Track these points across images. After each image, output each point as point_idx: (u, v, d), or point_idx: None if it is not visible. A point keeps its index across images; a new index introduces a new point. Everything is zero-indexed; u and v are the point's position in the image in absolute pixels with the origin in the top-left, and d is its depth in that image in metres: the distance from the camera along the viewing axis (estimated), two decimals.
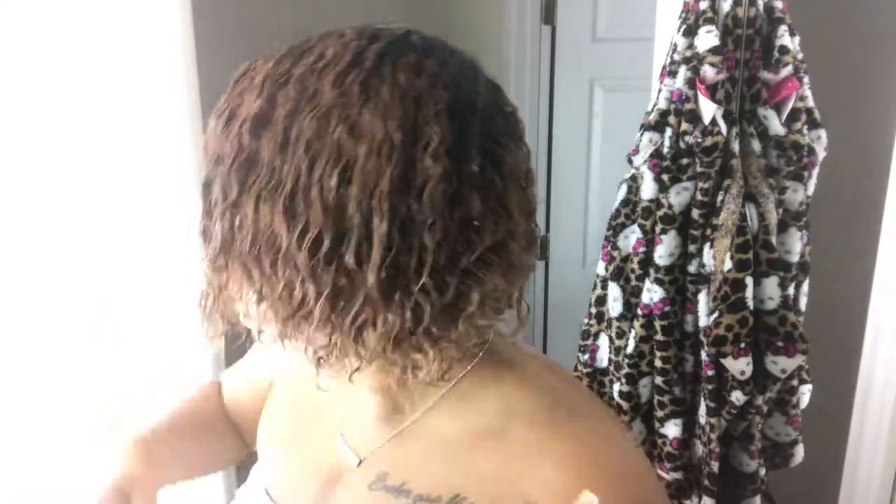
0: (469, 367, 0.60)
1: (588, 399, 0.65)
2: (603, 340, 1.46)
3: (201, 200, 0.54)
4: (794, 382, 1.35)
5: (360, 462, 0.65)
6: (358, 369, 0.54)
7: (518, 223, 0.54)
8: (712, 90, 1.20)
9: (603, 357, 1.46)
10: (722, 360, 1.24)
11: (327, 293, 0.50)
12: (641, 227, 1.32)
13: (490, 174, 0.52)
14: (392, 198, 0.48)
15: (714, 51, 1.19)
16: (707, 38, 1.20)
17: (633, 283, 1.34)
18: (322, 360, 0.54)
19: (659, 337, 1.31)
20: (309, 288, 0.50)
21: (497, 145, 0.53)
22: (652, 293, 1.30)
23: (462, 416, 0.60)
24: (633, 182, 1.34)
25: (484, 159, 0.51)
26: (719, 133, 1.20)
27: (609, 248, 1.40)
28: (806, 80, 1.24)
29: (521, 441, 0.57)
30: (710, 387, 1.27)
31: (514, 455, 0.57)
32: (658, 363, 1.32)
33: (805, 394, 1.39)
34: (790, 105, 1.23)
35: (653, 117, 1.30)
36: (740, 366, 1.23)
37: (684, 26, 1.24)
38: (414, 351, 0.53)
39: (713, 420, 1.27)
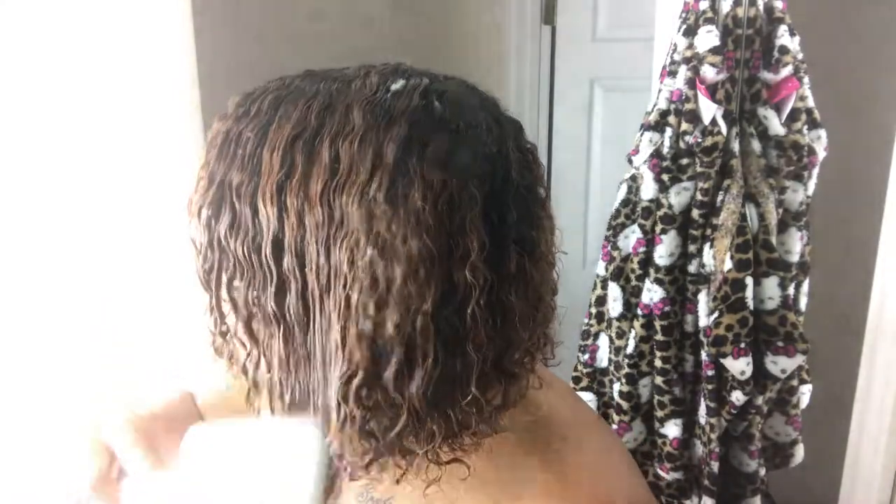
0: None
1: (583, 426, 0.62)
2: (603, 340, 1.46)
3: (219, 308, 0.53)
4: (794, 382, 1.35)
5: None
6: (404, 474, 0.52)
7: (550, 306, 0.54)
8: (712, 90, 1.20)
9: (603, 357, 1.46)
10: (722, 360, 1.24)
11: (364, 416, 0.48)
12: (641, 227, 1.32)
13: (526, 267, 0.50)
14: (434, 318, 0.46)
15: (714, 51, 1.19)
16: (707, 38, 1.20)
17: (633, 283, 1.34)
18: (360, 470, 0.52)
19: (659, 337, 1.31)
20: (344, 411, 0.48)
21: (531, 228, 0.51)
22: (652, 293, 1.30)
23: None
24: (633, 182, 1.35)
25: (520, 254, 0.49)
26: (719, 133, 1.20)
27: (609, 248, 1.40)
28: (806, 80, 1.25)
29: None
30: (710, 387, 1.27)
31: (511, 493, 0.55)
32: (658, 363, 1.32)
33: (805, 394, 1.39)
34: (790, 105, 1.23)
35: (653, 117, 1.30)
36: (740, 366, 1.23)
37: (684, 26, 1.24)
38: (458, 449, 0.52)
39: (713, 420, 1.27)
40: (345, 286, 0.46)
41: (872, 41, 1.57)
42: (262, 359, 0.52)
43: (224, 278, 0.51)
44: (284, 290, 0.48)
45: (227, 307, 0.52)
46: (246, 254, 0.49)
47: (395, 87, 0.50)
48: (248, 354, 0.52)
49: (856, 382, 1.51)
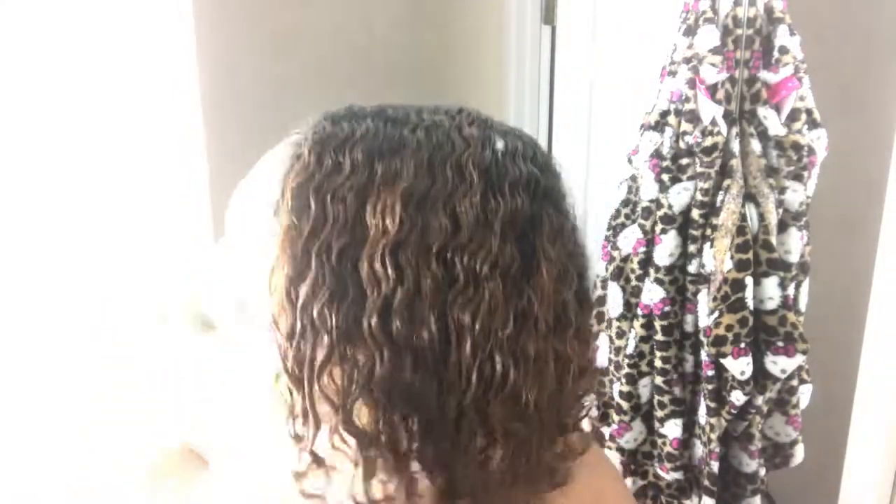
0: None
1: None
2: (603, 340, 1.46)
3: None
4: (794, 382, 1.35)
5: None
6: None
7: (592, 358, 0.56)
8: (712, 90, 1.20)
9: (603, 357, 1.46)
10: (722, 360, 1.24)
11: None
12: (641, 227, 1.32)
13: (585, 319, 0.51)
14: (560, 393, 0.48)
15: (714, 51, 1.19)
16: (707, 38, 1.20)
17: (633, 283, 1.34)
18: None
19: (659, 337, 1.31)
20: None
21: (581, 256, 0.52)
22: (652, 293, 1.30)
23: None
24: (633, 182, 1.34)
25: (580, 310, 0.50)
26: (719, 133, 1.20)
27: (609, 248, 1.40)
28: (806, 80, 1.24)
29: None
30: (710, 387, 1.27)
31: None
32: (658, 363, 1.32)
33: (805, 394, 1.39)
34: (790, 105, 1.23)
35: (653, 117, 1.30)
36: (740, 366, 1.23)
37: (684, 26, 1.24)
38: None
39: (713, 420, 1.27)
40: (474, 358, 0.44)
41: (872, 41, 1.57)
42: (384, 450, 0.47)
43: (321, 364, 0.46)
44: (396, 363, 0.44)
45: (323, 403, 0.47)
46: (341, 328, 0.44)
47: (499, 145, 0.49)
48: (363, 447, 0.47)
49: (856, 382, 1.51)
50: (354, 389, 0.45)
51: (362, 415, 0.47)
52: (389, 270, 0.44)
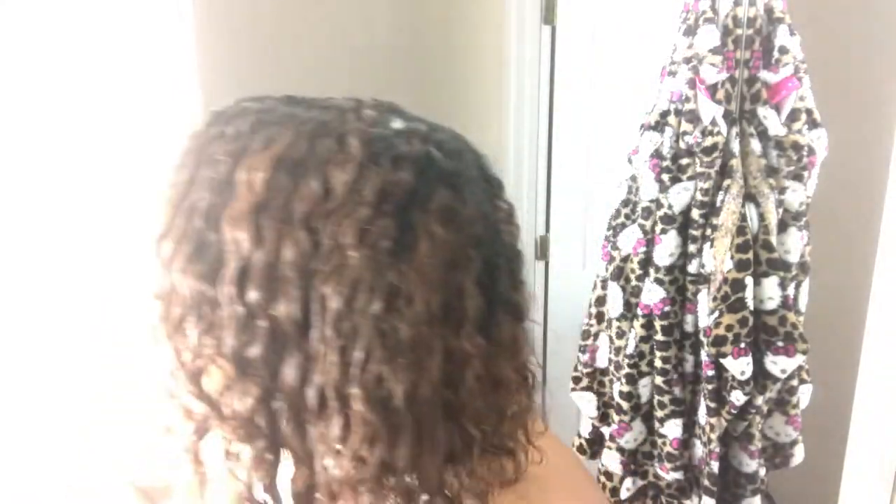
0: None
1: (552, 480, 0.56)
2: (603, 340, 1.46)
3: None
4: (794, 382, 1.35)
5: None
6: None
7: (534, 373, 0.51)
8: (712, 90, 1.20)
9: (603, 357, 1.46)
10: (722, 360, 1.24)
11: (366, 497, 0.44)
12: (641, 227, 1.32)
13: (516, 333, 0.48)
14: (436, 389, 0.43)
15: (714, 51, 1.19)
16: (707, 38, 1.20)
17: (633, 283, 1.34)
18: None
19: (659, 337, 1.31)
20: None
21: (517, 292, 0.48)
22: (652, 293, 1.30)
23: None
24: (633, 182, 1.34)
25: (511, 320, 0.47)
26: (719, 133, 1.20)
27: (609, 248, 1.40)
28: (806, 80, 1.24)
29: None
30: (710, 387, 1.27)
31: None
32: (658, 363, 1.32)
33: (805, 394, 1.39)
34: (790, 105, 1.23)
35: (653, 117, 1.30)
36: (740, 366, 1.23)
37: (684, 26, 1.24)
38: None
39: (713, 420, 1.27)
40: (338, 334, 0.40)
41: (872, 41, 1.57)
42: (224, 424, 0.44)
43: (180, 323, 0.44)
44: (250, 334, 0.42)
45: (183, 358, 0.45)
46: (201, 287, 0.42)
47: (395, 125, 0.46)
48: (207, 418, 0.45)
49: (856, 382, 1.51)
50: (206, 354, 0.43)
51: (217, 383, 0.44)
52: (248, 233, 0.41)
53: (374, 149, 0.43)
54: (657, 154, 1.28)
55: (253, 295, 0.41)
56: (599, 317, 1.46)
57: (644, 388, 1.36)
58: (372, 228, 0.41)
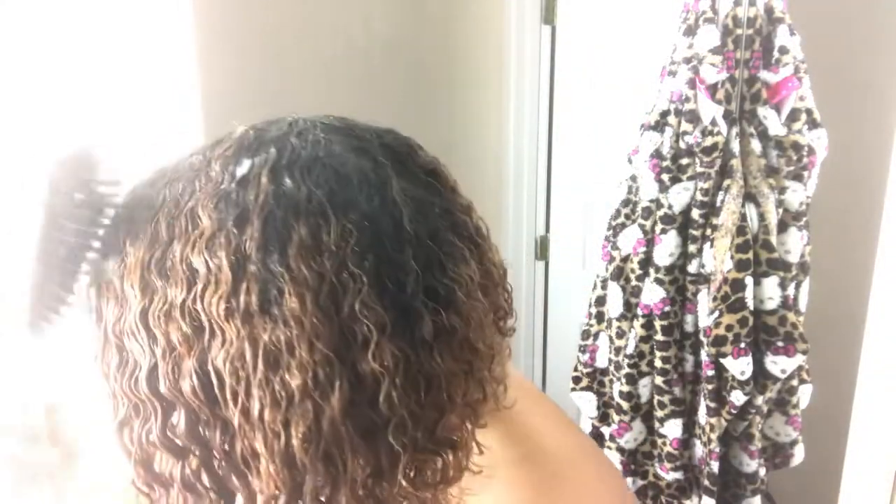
0: None
1: (573, 459, 0.56)
2: (603, 340, 1.46)
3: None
4: (794, 382, 1.35)
5: None
6: None
7: (491, 345, 0.47)
8: (712, 90, 1.20)
9: (603, 357, 1.46)
10: (722, 360, 1.24)
11: None
12: (641, 227, 1.32)
13: (445, 322, 0.44)
14: (344, 420, 0.41)
15: (714, 51, 1.19)
16: (707, 38, 1.20)
17: (633, 283, 1.34)
18: None
19: (659, 337, 1.31)
20: None
21: (443, 274, 0.44)
22: (652, 293, 1.30)
23: None
24: (633, 182, 1.35)
25: (435, 310, 0.43)
26: (719, 133, 1.20)
27: (609, 248, 1.40)
28: (806, 80, 1.25)
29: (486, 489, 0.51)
30: (710, 387, 1.27)
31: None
32: (658, 363, 1.32)
33: (805, 394, 1.39)
34: (790, 105, 1.23)
35: (653, 117, 1.30)
36: (740, 366, 1.23)
37: (684, 26, 1.24)
38: None
39: (713, 420, 1.27)
40: (235, 401, 0.42)
41: (872, 41, 1.57)
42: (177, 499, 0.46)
43: (120, 422, 0.46)
44: (168, 415, 0.44)
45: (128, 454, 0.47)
46: (130, 391, 0.44)
47: (239, 171, 0.44)
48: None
49: (856, 382, 1.51)
50: (146, 445, 0.45)
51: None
52: (143, 338, 0.43)
53: (220, 215, 0.43)
54: (657, 154, 1.28)
55: (163, 384, 0.44)
56: (599, 317, 1.46)
57: (644, 388, 1.36)
58: (233, 300, 0.41)
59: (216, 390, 0.42)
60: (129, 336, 0.44)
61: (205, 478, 0.45)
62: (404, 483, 0.44)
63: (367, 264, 0.42)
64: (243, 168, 0.44)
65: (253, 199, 0.42)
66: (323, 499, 0.43)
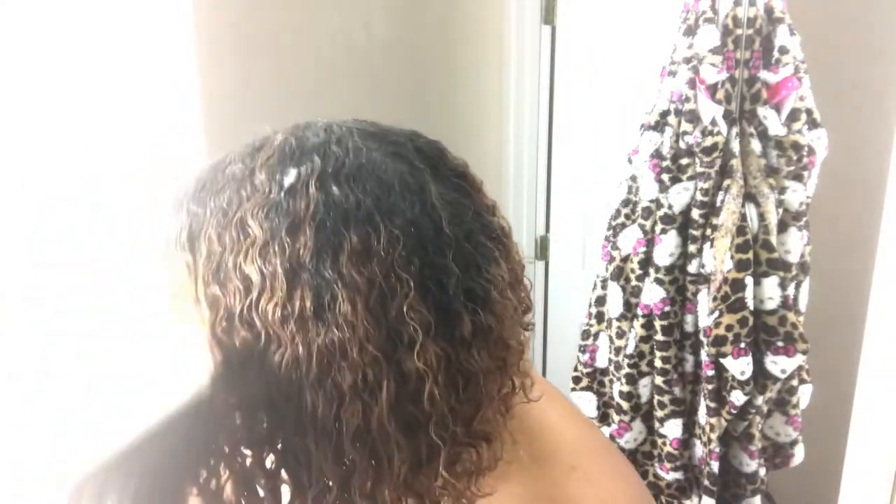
0: None
1: (579, 464, 0.57)
2: (603, 340, 1.46)
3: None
4: (794, 382, 1.35)
5: None
6: None
7: (519, 343, 0.49)
8: (712, 90, 1.20)
9: (603, 357, 1.46)
10: (722, 360, 1.24)
11: None
12: (641, 227, 1.32)
13: (482, 322, 0.45)
14: (390, 417, 0.43)
15: (714, 51, 1.19)
16: (707, 38, 1.20)
17: (633, 283, 1.34)
18: None
19: (659, 337, 1.31)
20: None
21: (479, 274, 0.46)
22: (652, 293, 1.30)
23: None
24: (633, 182, 1.35)
25: (474, 310, 0.45)
26: (719, 133, 1.20)
27: (609, 248, 1.40)
28: (806, 80, 1.25)
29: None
30: (710, 387, 1.27)
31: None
32: (658, 363, 1.32)
33: (805, 394, 1.39)
34: (790, 105, 1.23)
35: (653, 117, 1.30)
36: (740, 366, 1.23)
37: (684, 26, 1.24)
38: None
39: (713, 420, 1.27)
40: (290, 402, 0.44)
41: (872, 41, 1.57)
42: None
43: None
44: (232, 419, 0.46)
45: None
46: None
47: (287, 181, 0.46)
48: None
49: (856, 382, 1.51)
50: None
51: None
52: (214, 348, 0.45)
53: (271, 224, 0.44)
54: (657, 154, 1.28)
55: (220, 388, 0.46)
56: (599, 317, 1.46)
57: (644, 388, 1.36)
58: (288, 306, 0.43)
59: (273, 392, 0.44)
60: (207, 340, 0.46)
61: (259, 474, 0.46)
62: (444, 474, 0.45)
63: (413, 268, 0.44)
64: (290, 177, 0.45)
65: (304, 207, 0.44)
66: (368, 492, 0.45)
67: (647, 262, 1.32)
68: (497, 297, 0.46)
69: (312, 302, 0.42)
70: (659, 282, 1.29)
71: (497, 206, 0.53)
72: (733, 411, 1.26)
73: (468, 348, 0.45)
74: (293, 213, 0.44)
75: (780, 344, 1.24)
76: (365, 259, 0.43)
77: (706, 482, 1.32)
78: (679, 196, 1.27)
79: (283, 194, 0.45)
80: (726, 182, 1.23)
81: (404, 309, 0.43)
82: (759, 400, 1.27)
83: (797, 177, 1.25)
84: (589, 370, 1.49)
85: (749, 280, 1.21)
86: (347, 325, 0.42)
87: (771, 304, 1.24)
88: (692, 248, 1.27)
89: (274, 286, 0.43)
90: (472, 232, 0.47)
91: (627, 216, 1.36)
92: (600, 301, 1.44)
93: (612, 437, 1.42)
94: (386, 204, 0.45)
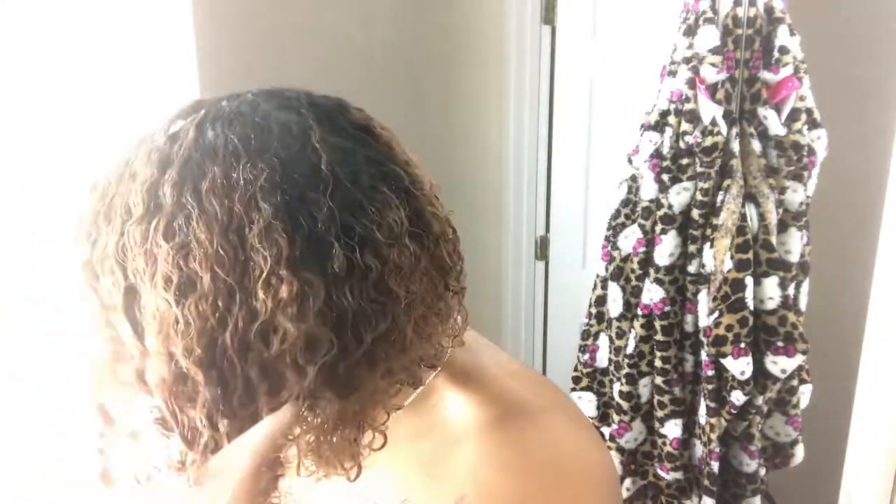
0: (421, 388, 0.57)
1: (548, 409, 0.57)
2: (603, 340, 1.46)
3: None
4: (794, 382, 1.35)
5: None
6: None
7: (406, 299, 0.48)
8: (712, 90, 1.20)
9: (603, 357, 1.46)
10: (722, 360, 1.24)
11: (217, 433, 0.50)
12: (641, 227, 1.32)
13: (357, 261, 0.46)
14: (240, 344, 0.46)
15: (714, 51, 1.19)
16: (707, 38, 1.20)
17: (633, 283, 1.34)
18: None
19: (659, 337, 1.31)
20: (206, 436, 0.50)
21: (358, 215, 0.46)
22: (652, 293, 1.30)
23: (413, 424, 0.57)
24: (633, 182, 1.35)
25: (350, 247, 0.46)
26: (719, 133, 1.20)
27: (609, 248, 1.40)
28: (806, 80, 1.25)
29: (467, 450, 0.53)
30: (710, 387, 1.27)
31: (457, 462, 0.53)
32: (658, 363, 1.32)
33: (805, 394, 1.39)
34: (790, 105, 1.23)
35: (653, 117, 1.30)
36: (740, 366, 1.23)
37: (684, 26, 1.24)
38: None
39: (713, 420, 1.27)
40: (162, 325, 0.46)
41: (872, 41, 1.57)
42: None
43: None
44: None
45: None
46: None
47: (172, 129, 0.49)
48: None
49: (856, 382, 1.51)
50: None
51: None
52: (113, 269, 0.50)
53: (150, 165, 0.48)
54: (657, 154, 1.28)
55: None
56: (599, 317, 1.46)
57: (644, 388, 1.36)
58: (148, 230, 0.46)
59: (135, 310, 0.48)
60: (101, 278, 0.50)
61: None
62: (306, 416, 0.49)
63: (278, 200, 0.45)
64: (175, 126, 0.50)
65: (177, 148, 0.48)
66: (217, 418, 0.48)
67: (647, 262, 1.32)
68: (384, 239, 0.47)
69: (167, 229, 0.45)
70: (659, 282, 1.29)
71: (414, 163, 0.53)
72: (733, 411, 1.26)
73: (341, 285, 0.45)
74: (167, 153, 0.48)
75: (780, 344, 1.24)
76: (226, 189, 0.45)
77: (706, 482, 1.32)
78: (679, 196, 1.27)
79: (165, 140, 0.49)
80: (726, 182, 1.23)
81: (255, 236, 0.45)
82: (759, 400, 1.27)
83: (797, 177, 1.25)
84: (589, 370, 1.49)
85: (749, 280, 1.21)
86: (201, 250, 0.45)
87: (771, 304, 1.24)
88: (692, 248, 1.27)
89: (142, 215, 0.46)
90: (359, 174, 0.48)
91: (627, 216, 1.36)
92: (600, 301, 1.44)
93: (612, 436, 1.42)
94: (258, 143, 0.47)
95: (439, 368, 0.57)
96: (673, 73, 1.26)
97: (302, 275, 0.45)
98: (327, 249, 0.45)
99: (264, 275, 0.44)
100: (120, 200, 0.48)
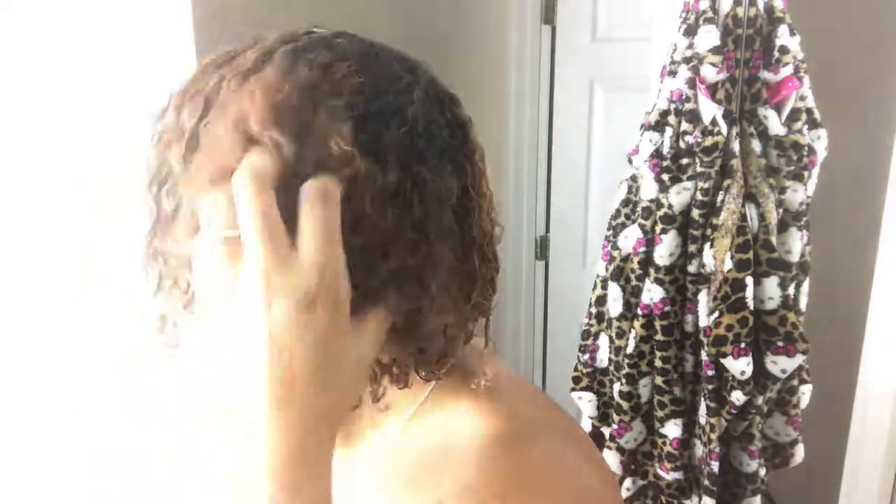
0: (429, 391, 0.56)
1: (552, 430, 0.57)
2: (603, 340, 1.46)
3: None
4: (794, 382, 1.35)
5: None
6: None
7: (439, 255, 0.48)
8: (712, 90, 1.20)
9: (603, 357, 1.46)
10: (722, 360, 1.24)
11: None
12: (641, 227, 1.32)
13: (409, 193, 0.46)
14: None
15: (714, 51, 1.19)
16: (707, 38, 1.20)
17: (633, 283, 1.34)
18: None
19: (659, 337, 1.31)
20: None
21: (422, 164, 0.47)
22: (652, 293, 1.30)
23: (417, 436, 0.56)
24: (633, 182, 1.35)
25: (404, 172, 0.46)
26: (719, 133, 1.20)
27: (609, 248, 1.40)
28: (806, 80, 1.25)
29: (470, 464, 0.52)
30: (710, 387, 1.27)
31: (461, 475, 0.52)
32: (658, 363, 1.32)
33: (805, 394, 1.39)
34: (790, 105, 1.23)
35: (653, 117, 1.30)
36: (740, 366, 1.23)
37: (684, 26, 1.24)
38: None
39: (713, 420, 1.27)
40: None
41: (872, 41, 1.57)
42: None
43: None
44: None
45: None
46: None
47: (275, 56, 0.50)
48: None
49: (856, 382, 1.51)
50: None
51: None
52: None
53: (242, 80, 0.49)
54: (657, 154, 1.28)
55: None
56: (599, 317, 1.46)
57: (644, 388, 1.36)
58: (277, 118, 0.45)
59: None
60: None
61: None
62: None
63: (359, 104, 0.46)
64: (280, 53, 0.50)
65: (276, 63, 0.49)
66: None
67: (647, 262, 1.32)
68: (432, 179, 0.47)
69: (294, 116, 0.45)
70: (659, 282, 1.29)
71: (486, 177, 0.56)
72: (733, 411, 1.26)
73: (380, 206, 0.45)
74: (264, 66, 0.48)
75: (780, 344, 1.23)
76: (324, 65, 0.47)
77: (706, 482, 1.32)
78: (679, 196, 1.27)
79: (260, 62, 0.49)
80: (726, 182, 1.23)
81: (329, 134, 0.44)
82: (759, 400, 1.27)
83: (797, 177, 1.25)
84: (589, 370, 1.49)
85: (749, 280, 1.21)
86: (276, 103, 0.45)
87: (771, 304, 1.24)
88: (692, 248, 1.27)
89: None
90: (434, 139, 0.49)
91: (627, 216, 1.36)
92: (600, 301, 1.44)
93: (612, 436, 1.42)
94: (364, 64, 0.48)
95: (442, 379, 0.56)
96: (673, 73, 1.26)
97: (369, 177, 0.45)
98: (384, 163, 0.45)
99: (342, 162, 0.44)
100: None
